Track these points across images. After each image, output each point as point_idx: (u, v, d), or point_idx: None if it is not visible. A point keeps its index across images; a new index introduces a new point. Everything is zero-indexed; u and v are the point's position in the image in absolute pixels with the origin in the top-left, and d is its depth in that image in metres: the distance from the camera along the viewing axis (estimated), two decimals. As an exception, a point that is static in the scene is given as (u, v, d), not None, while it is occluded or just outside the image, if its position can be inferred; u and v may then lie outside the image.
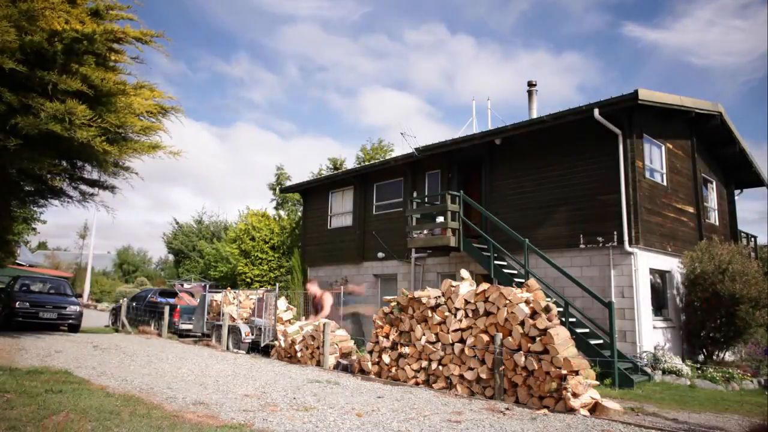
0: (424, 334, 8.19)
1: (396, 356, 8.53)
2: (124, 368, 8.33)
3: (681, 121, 12.92)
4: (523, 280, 10.03)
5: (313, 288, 15.81)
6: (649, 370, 9.59)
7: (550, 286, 10.21)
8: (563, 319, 8.87)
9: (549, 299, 7.81)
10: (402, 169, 15.32)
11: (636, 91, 10.11)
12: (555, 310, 7.14)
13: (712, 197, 14.80)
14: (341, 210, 17.62)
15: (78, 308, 15.07)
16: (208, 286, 16.18)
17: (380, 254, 15.52)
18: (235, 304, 13.74)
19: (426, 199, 14.01)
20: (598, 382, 6.89)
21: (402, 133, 15.48)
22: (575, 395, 6.19)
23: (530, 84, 15.78)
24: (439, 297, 8.19)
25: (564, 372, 6.36)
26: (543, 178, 12.20)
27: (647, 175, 11.38)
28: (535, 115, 14.90)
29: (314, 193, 18.85)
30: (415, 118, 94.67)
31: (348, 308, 14.90)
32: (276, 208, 29.60)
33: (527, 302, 7.19)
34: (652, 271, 11.30)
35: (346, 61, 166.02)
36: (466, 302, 7.81)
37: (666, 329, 11.27)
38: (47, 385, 6.20)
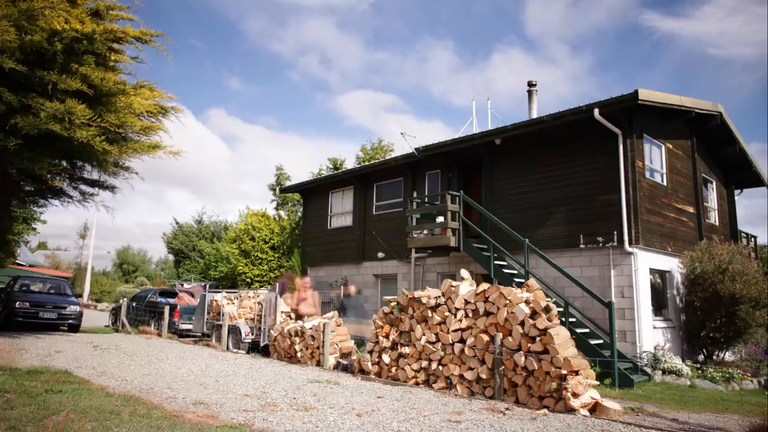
0: (424, 334, 8.18)
1: (396, 356, 8.53)
2: (124, 368, 8.33)
3: (681, 121, 12.93)
4: (523, 280, 10.03)
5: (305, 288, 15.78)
6: (649, 370, 9.59)
7: (550, 286, 10.21)
8: (563, 319, 8.87)
9: (549, 299, 7.80)
10: (402, 169, 15.32)
11: (636, 91, 10.12)
12: (555, 310, 7.13)
13: (712, 197, 14.81)
14: (341, 210, 17.63)
15: (78, 308, 15.06)
16: (208, 286, 16.17)
17: (380, 254, 15.52)
18: (235, 305, 13.74)
19: (426, 199, 14.01)
20: (598, 382, 6.88)
21: (402, 133, 15.51)
22: (575, 395, 6.18)
23: (530, 84, 15.78)
24: (439, 297, 8.19)
25: (564, 372, 6.36)
26: (543, 178, 12.20)
27: (647, 175, 11.38)
28: (535, 115, 14.90)
29: (314, 193, 18.85)
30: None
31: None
32: (276, 209, 29.62)
33: (527, 302, 7.18)
34: (652, 271, 11.30)
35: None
36: (466, 302, 7.81)
37: (666, 329, 11.27)
38: (47, 385, 6.19)
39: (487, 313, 7.52)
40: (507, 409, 6.29)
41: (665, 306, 11.69)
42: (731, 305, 10.59)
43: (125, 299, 19.10)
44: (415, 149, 14.28)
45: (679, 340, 11.64)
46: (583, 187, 11.43)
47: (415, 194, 14.66)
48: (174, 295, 18.19)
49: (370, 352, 8.96)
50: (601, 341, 9.44)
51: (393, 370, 8.49)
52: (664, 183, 12.08)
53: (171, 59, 11.52)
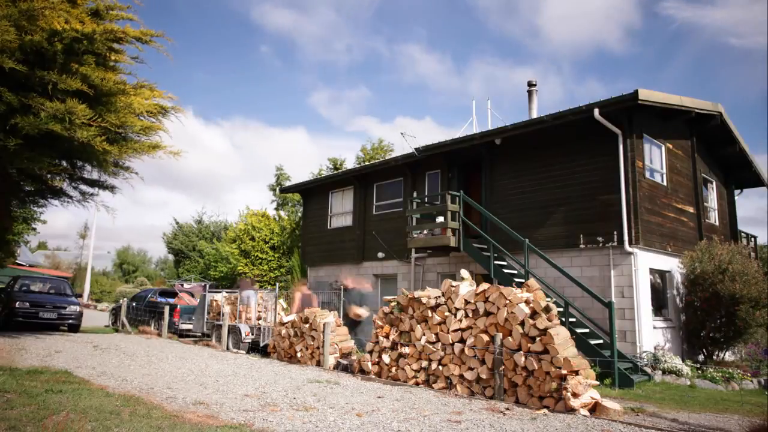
0: (424, 334, 8.18)
1: (396, 356, 8.53)
2: (124, 368, 8.33)
3: (681, 121, 12.93)
4: (523, 280, 10.03)
5: (303, 289, 15.82)
6: (649, 370, 9.59)
7: (550, 286, 10.21)
8: (563, 319, 8.87)
9: (549, 299, 7.81)
10: (402, 169, 15.32)
11: (636, 91, 10.12)
12: (555, 310, 7.13)
13: (712, 197, 14.81)
14: (341, 210, 17.62)
15: (78, 308, 15.06)
16: (207, 286, 16.17)
17: (380, 254, 15.52)
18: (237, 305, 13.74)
19: (426, 199, 14.01)
20: (598, 382, 6.88)
21: (402, 133, 15.51)
22: (575, 395, 6.18)
23: (530, 84, 15.78)
24: (439, 297, 8.19)
25: (564, 372, 6.36)
26: (543, 178, 12.20)
27: (647, 175, 11.38)
28: (535, 115, 14.90)
29: (314, 193, 18.85)
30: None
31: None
32: (276, 209, 29.63)
33: (527, 302, 7.18)
34: (652, 271, 11.30)
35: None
36: (466, 302, 7.81)
37: (666, 329, 11.27)
38: (47, 385, 6.20)
39: (487, 313, 7.52)
40: (507, 409, 6.29)
41: (665, 306, 11.68)
42: (731, 305, 10.59)
43: (125, 299, 19.11)
44: (415, 149, 14.28)
45: (679, 340, 11.64)
46: (583, 187, 11.43)
47: (415, 194, 14.66)
48: (174, 295, 18.19)
49: (370, 352, 8.96)
50: (601, 341, 9.44)
51: (393, 370, 8.49)
52: (664, 183, 12.07)
53: (171, 59, 11.52)
